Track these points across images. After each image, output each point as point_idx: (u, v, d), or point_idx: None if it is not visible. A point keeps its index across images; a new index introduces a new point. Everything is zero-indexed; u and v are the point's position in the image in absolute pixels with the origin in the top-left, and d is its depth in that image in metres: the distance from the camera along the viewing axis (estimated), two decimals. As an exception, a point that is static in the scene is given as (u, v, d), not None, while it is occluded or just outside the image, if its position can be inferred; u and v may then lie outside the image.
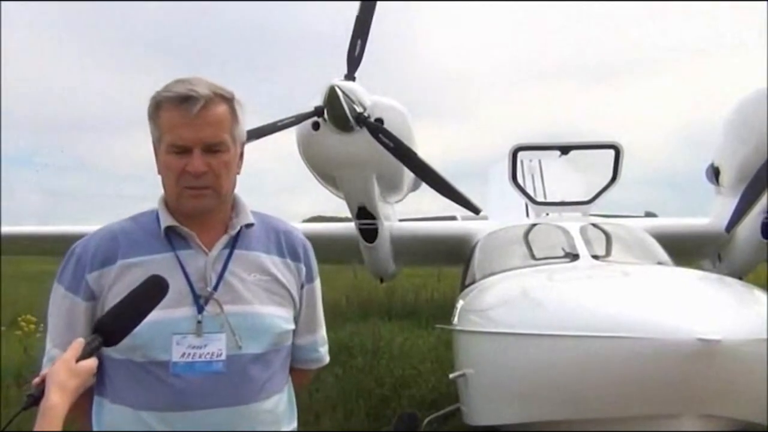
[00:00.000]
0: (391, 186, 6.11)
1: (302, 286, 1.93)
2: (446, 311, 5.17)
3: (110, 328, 1.51)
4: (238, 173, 1.84)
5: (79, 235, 1.88)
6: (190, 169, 1.70)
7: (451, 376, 4.25)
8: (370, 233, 6.23)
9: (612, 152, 5.84)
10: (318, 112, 5.28)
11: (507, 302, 3.89)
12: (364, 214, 6.08)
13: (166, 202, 1.81)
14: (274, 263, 1.86)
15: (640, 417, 2.91)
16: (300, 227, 2.18)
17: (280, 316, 1.83)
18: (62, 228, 7.77)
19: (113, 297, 1.66)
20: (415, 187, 6.56)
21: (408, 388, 6.73)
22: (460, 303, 4.75)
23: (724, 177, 6.40)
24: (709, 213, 6.79)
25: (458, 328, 4.41)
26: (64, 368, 1.39)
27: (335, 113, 5.19)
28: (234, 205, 1.86)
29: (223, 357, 1.72)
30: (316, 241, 2.11)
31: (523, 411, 3.38)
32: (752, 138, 5.67)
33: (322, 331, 2.07)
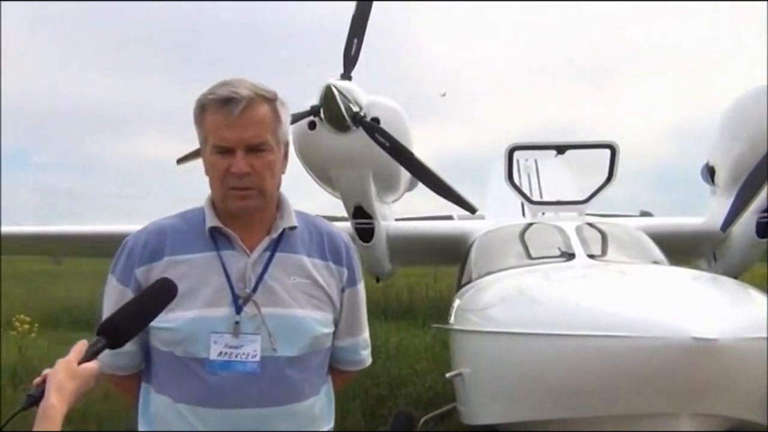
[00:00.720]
0: (387, 185, 6.10)
1: (343, 290, 1.95)
2: (442, 310, 5.17)
3: (114, 330, 1.50)
4: (284, 173, 1.86)
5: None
6: (234, 170, 1.73)
7: (447, 375, 4.25)
8: (366, 233, 6.21)
9: (608, 152, 5.85)
10: (314, 111, 5.26)
11: (503, 301, 3.90)
12: (361, 214, 6.06)
13: (213, 202, 1.84)
14: (315, 266, 1.87)
15: (636, 416, 2.93)
16: None
17: (317, 320, 1.84)
18: (61, 228, 7.75)
19: None
20: (411, 187, 6.56)
21: (404, 388, 6.73)
22: (457, 302, 4.76)
23: (719, 176, 6.39)
24: (705, 212, 6.79)
25: (455, 327, 4.42)
26: (64, 370, 1.39)
27: (331, 113, 5.18)
28: (279, 206, 1.88)
29: (258, 358, 1.75)
30: None
31: (520, 410, 3.39)
32: (748, 135, 5.65)
33: (365, 334, 2.09)
